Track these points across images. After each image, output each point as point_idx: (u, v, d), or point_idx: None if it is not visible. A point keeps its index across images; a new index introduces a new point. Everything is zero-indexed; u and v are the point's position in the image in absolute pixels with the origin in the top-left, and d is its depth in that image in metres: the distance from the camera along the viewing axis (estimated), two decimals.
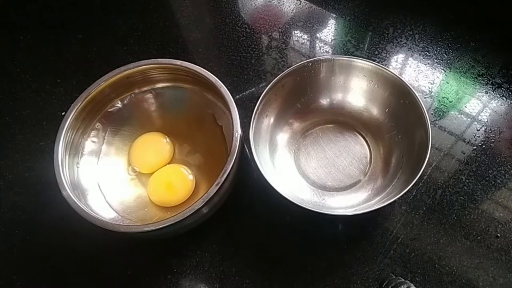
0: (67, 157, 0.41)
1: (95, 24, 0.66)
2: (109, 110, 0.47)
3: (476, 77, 0.55)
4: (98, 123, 0.46)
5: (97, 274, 0.45)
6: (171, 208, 0.46)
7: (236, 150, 0.39)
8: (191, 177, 0.47)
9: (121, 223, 0.41)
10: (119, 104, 0.47)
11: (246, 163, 0.45)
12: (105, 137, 0.47)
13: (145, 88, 0.48)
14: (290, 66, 0.46)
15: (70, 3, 0.69)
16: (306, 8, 0.64)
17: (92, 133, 0.46)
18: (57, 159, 0.39)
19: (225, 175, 0.37)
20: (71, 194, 0.38)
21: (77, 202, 0.37)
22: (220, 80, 0.43)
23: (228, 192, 0.41)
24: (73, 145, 0.43)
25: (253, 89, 0.56)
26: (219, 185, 0.37)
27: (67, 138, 0.41)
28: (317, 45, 0.61)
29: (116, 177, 0.47)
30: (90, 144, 0.46)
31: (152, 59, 0.44)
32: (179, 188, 0.46)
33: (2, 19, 0.68)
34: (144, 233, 0.36)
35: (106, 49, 0.62)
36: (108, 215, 0.42)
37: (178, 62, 0.44)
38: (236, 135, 0.39)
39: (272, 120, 0.48)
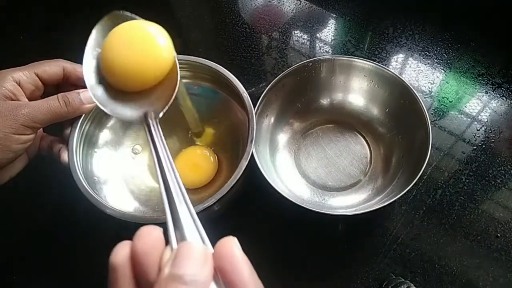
0: (81, 148, 0.41)
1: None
2: None
3: (476, 77, 0.55)
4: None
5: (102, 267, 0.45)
6: (194, 190, 0.47)
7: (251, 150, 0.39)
8: (212, 158, 0.48)
9: (136, 214, 0.41)
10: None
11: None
12: (120, 127, 0.47)
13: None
14: (290, 66, 0.46)
15: (70, 3, 0.69)
16: (306, 8, 0.64)
17: (108, 124, 0.46)
18: (72, 150, 0.39)
19: (240, 172, 0.37)
20: (84, 184, 0.38)
21: (92, 193, 0.37)
22: None
23: (242, 189, 0.41)
24: (88, 136, 0.43)
25: (253, 89, 0.56)
26: (234, 181, 0.37)
27: (82, 130, 0.41)
28: (317, 45, 0.61)
29: (132, 166, 0.47)
30: (105, 134, 0.45)
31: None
32: (204, 168, 0.47)
33: (2, 19, 0.68)
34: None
35: None
36: (123, 205, 0.42)
37: (193, 58, 0.44)
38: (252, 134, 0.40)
39: (272, 120, 0.48)
